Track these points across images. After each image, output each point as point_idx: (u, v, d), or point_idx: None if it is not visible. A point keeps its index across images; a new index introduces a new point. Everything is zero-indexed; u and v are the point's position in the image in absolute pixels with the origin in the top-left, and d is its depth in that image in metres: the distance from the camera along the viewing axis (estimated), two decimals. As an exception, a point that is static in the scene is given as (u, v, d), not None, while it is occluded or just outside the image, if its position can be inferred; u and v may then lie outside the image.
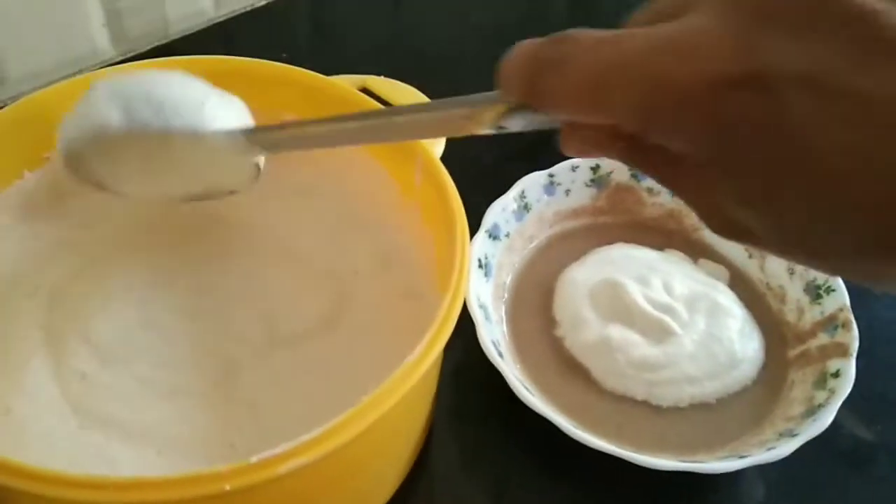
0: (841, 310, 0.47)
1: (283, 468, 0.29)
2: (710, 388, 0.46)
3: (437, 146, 0.45)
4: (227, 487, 0.29)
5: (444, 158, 0.42)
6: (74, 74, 0.65)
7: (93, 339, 0.43)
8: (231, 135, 0.35)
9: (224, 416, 0.41)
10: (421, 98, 0.47)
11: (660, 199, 0.54)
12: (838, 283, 0.48)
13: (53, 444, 0.39)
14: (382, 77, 0.48)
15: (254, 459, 0.29)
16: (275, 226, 0.49)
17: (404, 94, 0.48)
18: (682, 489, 0.44)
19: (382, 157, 0.45)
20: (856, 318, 0.46)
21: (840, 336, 0.46)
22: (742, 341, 0.47)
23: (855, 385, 0.43)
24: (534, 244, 0.53)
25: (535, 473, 0.45)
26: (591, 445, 0.40)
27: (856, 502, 0.45)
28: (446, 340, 0.34)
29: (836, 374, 0.44)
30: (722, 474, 0.44)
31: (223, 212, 0.49)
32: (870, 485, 0.46)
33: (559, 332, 0.48)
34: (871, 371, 0.46)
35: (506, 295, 0.50)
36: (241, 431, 0.40)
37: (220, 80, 0.46)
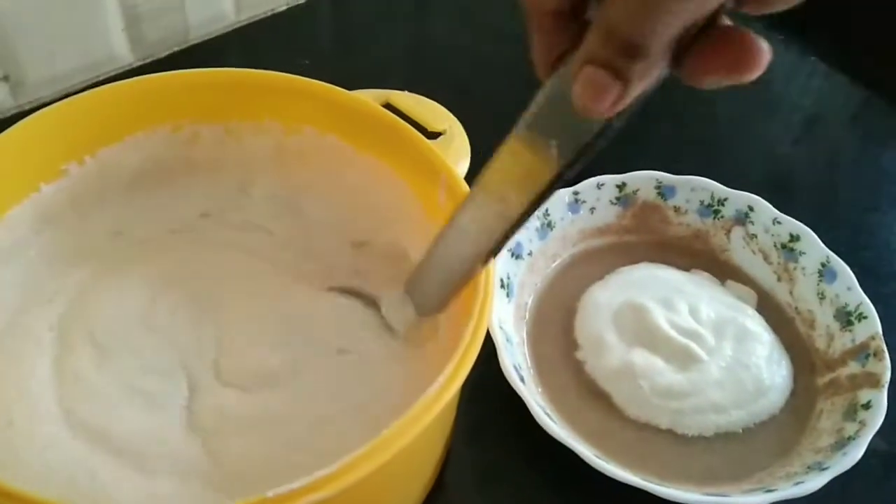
0: (873, 338, 0.45)
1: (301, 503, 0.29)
2: (736, 417, 0.45)
3: (462, 164, 0.44)
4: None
5: (470, 179, 0.41)
6: (92, 79, 0.64)
7: (97, 338, 0.42)
8: None
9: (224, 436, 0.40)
10: (443, 114, 0.46)
11: (686, 218, 0.53)
12: (870, 309, 0.46)
13: (50, 458, 0.38)
14: (406, 92, 0.47)
15: (270, 494, 0.28)
16: (293, 238, 0.48)
17: (428, 109, 0.47)
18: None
19: (406, 174, 0.44)
20: (888, 346, 0.45)
21: (871, 366, 0.45)
22: (770, 368, 0.46)
23: (888, 414, 0.42)
24: (557, 263, 0.52)
25: (552, 499, 0.44)
26: (614, 476, 0.39)
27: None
28: (469, 369, 0.33)
29: (867, 406, 0.43)
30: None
31: (240, 234, 0.48)
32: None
33: (580, 355, 0.47)
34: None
35: (527, 315, 0.49)
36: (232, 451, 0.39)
37: (242, 93, 0.45)
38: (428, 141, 0.42)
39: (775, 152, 0.67)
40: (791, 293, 0.50)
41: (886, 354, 0.44)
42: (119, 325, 0.43)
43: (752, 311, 0.49)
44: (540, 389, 0.46)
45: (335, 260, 0.47)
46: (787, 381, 0.47)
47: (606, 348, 0.46)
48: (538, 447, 0.43)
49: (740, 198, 0.52)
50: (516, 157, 0.31)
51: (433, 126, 0.45)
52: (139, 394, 0.41)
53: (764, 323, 0.49)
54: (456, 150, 0.44)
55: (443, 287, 0.38)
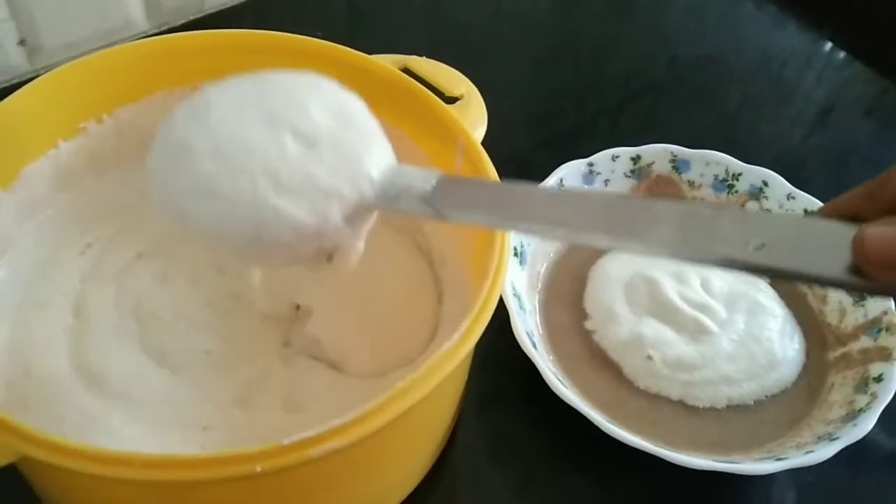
0: (885, 313, 0.45)
1: (315, 451, 0.29)
2: (748, 390, 0.45)
3: (479, 129, 0.44)
4: (258, 469, 0.28)
5: (486, 144, 0.41)
6: (108, 46, 0.64)
7: (118, 299, 0.42)
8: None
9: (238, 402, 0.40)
10: (460, 79, 0.46)
11: (700, 192, 0.53)
12: (883, 285, 0.46)
13: (63, 411, 0.38)
14: (424, 58, 0.46)
15: (286, 441, 0.29)
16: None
17: (445, 74, 0.47)
18: (712, 490, 0.43)
19: (423, 139, 0.44)
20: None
21: (883, 340, 0.45)
22: (782, 342, 0.46)
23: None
24: (569, 234, 0.52)
25: (561, 468, 0.44)
26: (625, 441, 0.39)
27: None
28: (483, 329, 0.34)
29: (879, 379, 0.43)
30: (754, 477, 0.43)
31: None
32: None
33: (590, 325, 0.47)
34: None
35: (540, 284, 0.50)
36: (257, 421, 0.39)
37: (260, 56, 0.45)
38: (445, 105, 0.42)
39: (788, 141, 0.67)
40: (804, 268, 0.50)
41: (899, 329, 0.45)
42: (145, 285, 0.43)
43: (765, 286, 0.49)
44: (552, 357, 0.46)
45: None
46: (800, 355, 0.47)
47: (616, 319, 0.46)
48: (549, 414, 0.43)
49: (755, 173, 0.52)
50: None
51: (450, 91, 0.45)
52: (159, 353, 0.41)
53: (777, 297, 0.49)
54: (473, 116, 0.44)
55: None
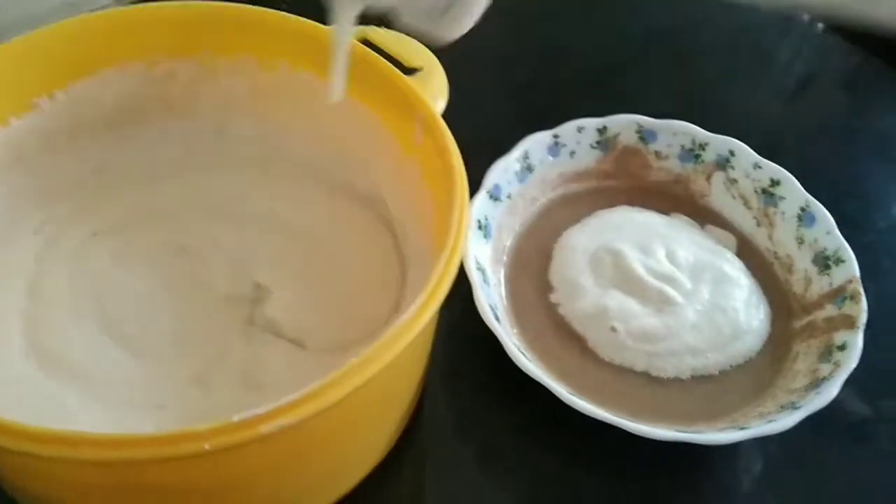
0: (850, 281, 0.45)
1: (266, 428, 0.28)
2: (712, 360, 0.45)
3: (440, 101, 0.43)
4: (207, 447, 0.28)
5: (448, 116, 0.40)
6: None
7: (76, 276, 0.42)
8: None
9: (193, 380, 0.39)
10: (421, 50, 0.45)
11: (667, 163, 0.53)
12: (848, 254, 0.46)
13: (18, 392, 0.37)
14: (384, 29, 0.46)
15: (236, 418, 0.28)
16: (266, 184, 0.48)
17: (406, 45, 0.46)
18: (678, 460, 0.43)
19: (382, 112, 0.43)
20: (867, 293, 0.45)
21: (848, 308, 0.44)
22: (747, 312, 0.46)
23: (860, 359, 0.42)
24: (536, 207, 0.52)
25: (527, 441, 0.44)
26: (587, 412, 0.39)
27: (856, 478, 0.45)
28: (441, 301, 0.33)
29: (843, 347, 0.43)
30: (720, 447, 0.43)
31: (214, 177, 0.47)
32: (870, 461, 0.45)
33: (554, 297, 0.47)
34: (878, 346, 0.45)
35: (505, 258, 0.49)
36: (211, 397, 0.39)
37: (218, 28, 0.44)
38: (404, 76, 0.41)
39: (766, 114, 0.66)
40: (770, 238, 0.50)
41: (863, 297, 0.44)
42: (102, 265, 0.43)
43: (731, 256, 0.49)
44: (516, 331, 0.46)
45: (311, 204, 0.47)
46: (765, 325, 0.47)
47: (581, 292, 0.46)
48: (515, 388, 0.43)
49: (721, 142, 0.51)
50: None
51: (410, 62, 0.45)
52: (117, 333, 0.40)
53: (743, 267, 0.48)
54: (433, 87, 0.43)
55: None
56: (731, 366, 0.45)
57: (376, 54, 0.42)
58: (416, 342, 0.32)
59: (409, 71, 0.44)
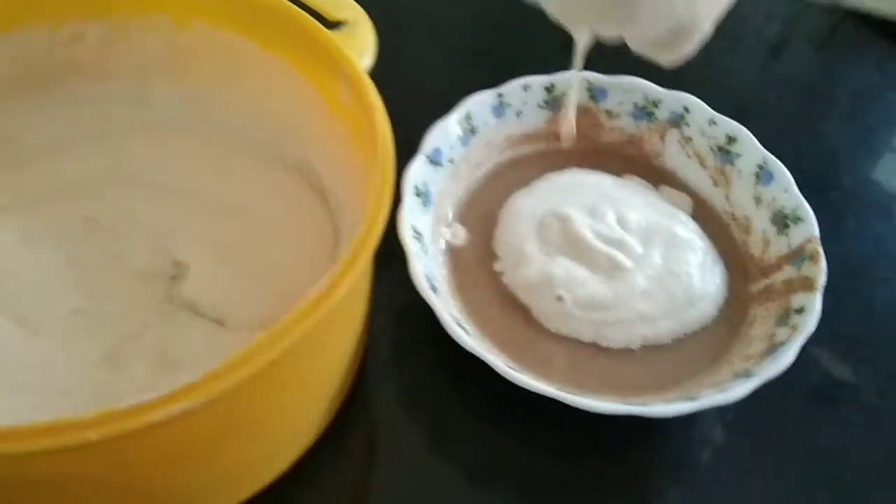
0: (809, 241, 0.43)
1: (159, 415, 0.26)
2: (665, 328, 0.42)
3: (366, 57, 0.40)
4: (93, 437, 0.25)
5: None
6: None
7: None
8: None
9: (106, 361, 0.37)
10: (346, 2, 0.42)
11: (619, 122, 0.50)
12: (807, 212, 0.44)
13: None
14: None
15: (123, 405, 0.26)
16: (188, 151, 0.45)
17: (338, 4, 0.43)
18: (632, 433, 0.41)
19: (306, 68, 0.40)
20: (827, 254, 0.43)
21: (806, 269, 0.42)
22: (702, 277, 0.44)
23: (822, 323, 0.40)
24: (482, 172, 0.49)
25: (477, 419, 0.42)
26: (528, 387, 0.37)
27: (818, 444, 0.42)
28: (359, 272, 0.31)
29: (800, 310, 0.40)
30: (675, 418, 0.40)
31: (132, 145, 0.44)
32: (834, 425, 0.43)
33: (498, 266, 0.44)
34: (840, 309, 0.42)
35: (448, 226, 0.46)
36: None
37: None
38: (326, 30, 0.38)
39: (740, 78, 0.64)
40: (727, 198, 0.48)
41: (822, 257, 0.42)
42: (5, 242, 0.40)
43: (685, 218, 0.46)
44: (459, 302, 0.43)
45: (235, 171, 0.44)
46: (721, 290, 0.44)
47: (525, 259, 0.43)
48: (462, 364, 0.40)
49: (675, 98, 0.49)
50: None
51: (333, 15, 0.41)
52: (19, 314, 0.37)
53: (698, 230, 0.46)
54: (358, 42, 0.40)
55: None
56: (684, 333, 0.43)
57: (296, 7, 0.39)
58: (334, 316, 0.30)
59: (333, 25, 0.41)
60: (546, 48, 0.60)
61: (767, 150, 0.47)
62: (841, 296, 0.42)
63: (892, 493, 0.41)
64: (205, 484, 0.34)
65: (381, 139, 0.34)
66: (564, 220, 0.44)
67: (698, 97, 0.49)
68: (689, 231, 0.45)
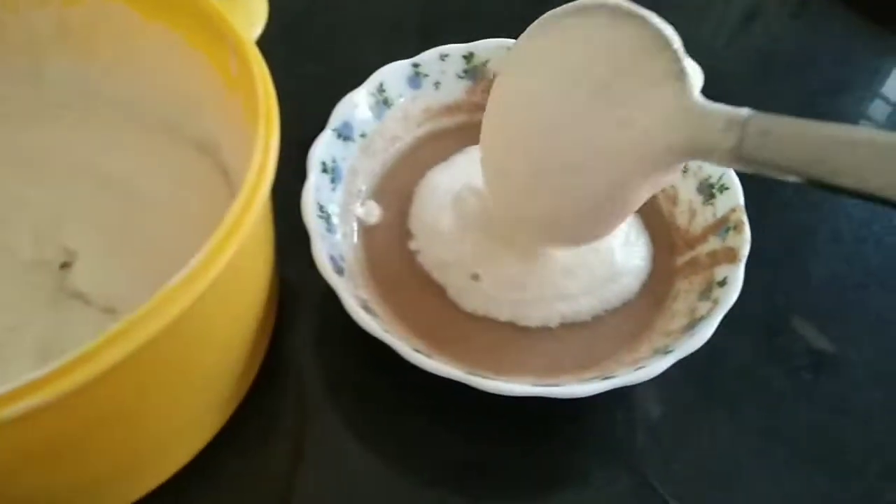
0: (734, 210, 0.41)
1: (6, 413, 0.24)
2: (585, 305, 0.41)
3: (256, 26, 0.38)
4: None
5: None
6: None
7: None
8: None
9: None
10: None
11: (544, 92, 0.48)
12: (733, 181, 0.42)
13: None
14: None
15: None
16: (84, 133, 0.42)
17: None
18: (551, 415, 0.39)
19: (198, 43, 0.38)
20: (762, 226, 0.41)
21: (731, 240, 0.40)
22: (625, 251, 0.42)
23: (753, 298, 0.39)
24: (399, 146, 0.47)
25: (398, 405, 0.40)
26: (435, 371, 0.35)
27: (748, 420, 0.41)
28: (232, 252, 0.29)
29: (723, 283, 0.39)
30: (596, 398, 0.39)
31: (25, 128, 0.42)
32: (762, 402, 0.42)
33: (413, 245, 0.42)
34: (775, 283, 0.41)
35: (362, 204, 0.44)
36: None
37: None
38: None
39: (711, 47, 0.62)
40: (653, 168, 0.46)
41: (747, 227, 0.40)
42: None
43: (609, 190, 0.44)
44: (372, 283, 0.41)
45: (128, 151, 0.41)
46: (645, 264, 0.43)
47: (440, 237, 0.41)
48: (381, 348, 0.39)
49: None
50: None
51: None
52: None
53: (623, 202, 0.44)
54: (247, 9, 0.38)
55: None
56: (605, 310, 0.41)
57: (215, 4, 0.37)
58: (208, 301, 0.28)
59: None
60: (486, 20, 0.58)
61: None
62: (778, 267, 0.41)
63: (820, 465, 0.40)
64: (82, 481, 0.32)
65: (264, 109, 0.32)
66: (481, 195, 0.42)
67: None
68: (612, 203, 0.43)
